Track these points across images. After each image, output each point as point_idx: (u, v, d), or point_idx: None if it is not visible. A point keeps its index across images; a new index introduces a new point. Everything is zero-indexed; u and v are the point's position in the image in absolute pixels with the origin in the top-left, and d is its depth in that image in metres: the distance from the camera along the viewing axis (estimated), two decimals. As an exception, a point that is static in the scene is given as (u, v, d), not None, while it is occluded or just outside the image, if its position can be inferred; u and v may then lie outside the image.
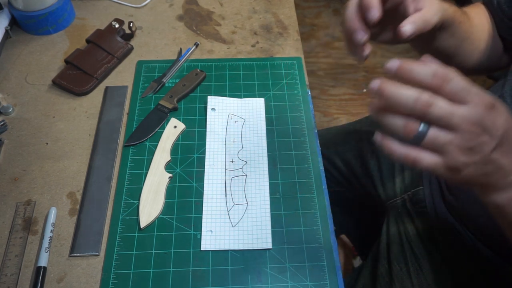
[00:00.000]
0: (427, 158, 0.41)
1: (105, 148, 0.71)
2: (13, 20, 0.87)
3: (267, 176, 0.68)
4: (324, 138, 0.79)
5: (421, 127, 0.40)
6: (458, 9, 0.59)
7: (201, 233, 0.62)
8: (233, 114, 0.75)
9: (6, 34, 0.85)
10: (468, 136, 0.39)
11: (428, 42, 0.60)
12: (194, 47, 0.85)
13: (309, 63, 1.96)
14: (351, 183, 0.89)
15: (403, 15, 0.51)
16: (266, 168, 0.69)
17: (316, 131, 0.74)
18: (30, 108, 0.76)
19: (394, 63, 0.41)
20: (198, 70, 0.80)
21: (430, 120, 0.40)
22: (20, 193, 0.66)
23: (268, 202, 0.65)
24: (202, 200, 0.65)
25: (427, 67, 0.40)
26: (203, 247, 0.61)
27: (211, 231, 0.62)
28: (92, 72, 0.79)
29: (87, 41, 0.83)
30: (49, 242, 0.60)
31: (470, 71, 0.67)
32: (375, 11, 0.49)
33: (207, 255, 0.61)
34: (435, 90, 0.39)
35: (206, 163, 0.69)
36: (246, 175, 0.68)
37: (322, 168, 0.69)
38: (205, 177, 0.68)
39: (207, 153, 0.71)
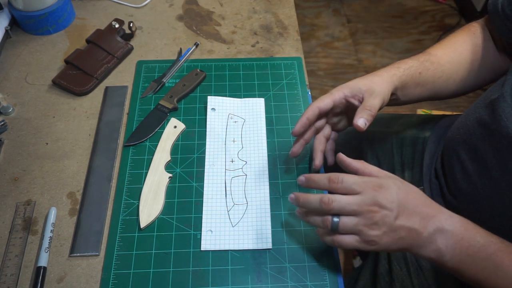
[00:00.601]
0: (347, 239, 0.52)
1: (105, 148, 0.71)
2: (13, 20, 0.87)
3: (267, 176, 0.68)
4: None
5: (334, 219, 0.51)
6: (415, 62, 0.67)
7: (201, 233, 0.62)
8: (233, 114, 0.75)
9: (6, 34, 0.85)
10: (368, 215, 0.50)
11: (397, 103, 0.69)
12: (194, 47, 0.85)
13: (309, 63, 1.96)
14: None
15: (352, 107, 0.62)
16: (266, 168, 0.69)
17: (316, 131, 0.74)
18: (30, 108, 0.76)
19: (302, 179, 0.56)
20: (198, 70, 0.80)
21: (337, 213, 0.51)
22: (20, 193, 0.66)
23: (268, 202, 0.65)
24: (202, 200, 0.65)
25: (323, 177, 0.53)
26: (203, 247, 0.61)
27: (211, 231, 0.62)
28: (92, 72, 0.79)
29: (87, 41, 0.83)
30: (49, 242, 0.60)
31: (467, 91, 0.73)
32: (292, 150, 0.65)
33: (207, 255, 0.61)
34: (334, 190, 0.52)
35: (206, 163, 0.69)
36: (246, 175, 0.68)
37: (322, 168, 0.69)
38: (205, 177, 0.68)
39: (207, 153, 0.71)
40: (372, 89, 0.61)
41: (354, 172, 0.55)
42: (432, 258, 0.52)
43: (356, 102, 0.62)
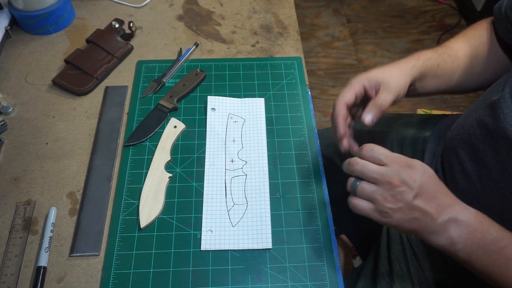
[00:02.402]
0: (362, 203, 0.53)
1: (105, 148, 0.71)
2: (13, 20, 0.87)
3: (267, 176, 0.68)
4: (324, 137, 0.79)
5: (355, 182, 0.53)
6: (434, 54, 0.68)
7: (201, 233, 0.62)
8: (233, 114, 0.75)
9: (6, 34, 0.85)
10: (388, 186, 0.51)
11: (415, 94, 0.70)
12: (194, 47, 0.85)
13: (309, 63, 1.96)
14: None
15: (369, 98, 0.63)
16: (266, 168, 0.69)
17: (316, 131, 0.74)
18: (30, 108, 0.76)
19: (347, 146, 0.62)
20: (198, 70, 0.80)
21: (359, 176, 0.53)
22: (20, 193, 0.66)
23: (268, 202, 0.65)
24: (202, 200, 0.65)
25: (359, 147, 0.55)
26: (203, 247, 0.61)
27: (211, 231, 0.62)
28: (92, 72, 0.79)
29: (87, 41, 0.83)
30: (49, 242, 0.60)
31: (482, 86, 0.74)
32: (343, 146, 0.64)
33: (207, 255, 0.61)
34: (363, 157, 0.53)
35: (206, 163, 0.69)
36: (246, 175, 0.68)
37: (322, 168, 0.69)
38: (205, 177, 0.68)
39: (207, 153, 0.71)
40: (389, 83, 0.62)
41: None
42: (443, 246, 0.52)
43: (373, 94, 0.63)
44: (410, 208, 0.51)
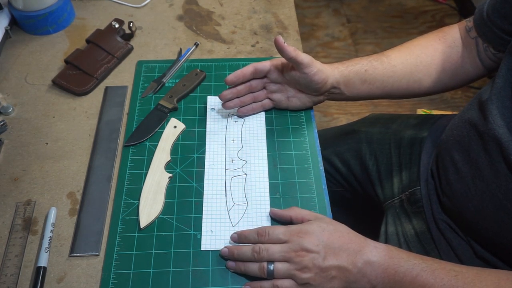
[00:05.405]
0: (285, 283, 0.54)
1: (105, 148, 0.71)
2: (13, 20, 0.87)
3: (267, 176, 0.68)
4: (322, 138, 0.79)
5: (269, 266, 0.55)
6: (363, 61, 0.71)
7: (201, 233, 0.62)
8: (233, 113, 0.75)
9: (6, 34, 0.85)
10: (297, 260, 0.54)
11: (344, 98, 0.73)
12: (194, 47, 0.85)
13: (309, 63, 1.96)
14: (350, 183, 0.89)
15: (292, 80, 0.70)
16: (266, 168, 0.69)
17: (316, 131, 0.74)
18: (30, 108, 0.76)
19: (234, 236, 0.59)
20: (198, 70, 0.80)
21: (268, 260, 0.55)
22: (20, 193, 0.66)
23: (268, 202, 0.65)
24: (202, 200, 0.65)
25: (253, 232, 0.58)
26: (203, 247, 0.61)
27: (211, 231, 0.62)
28: (92, 72, 0.79)
29: (87, 41, 0.83)
30: (49, 242, 0.60)
31: (426, 93, 0.75)
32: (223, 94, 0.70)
33: (207, 255, 0.61)
34: (264, 243, 0.56)
35: (206, 163, 0.69)
36: (246, 174, 0.68)
37: (322, 168, 0.69)
38: (205, 177, 0.68)
39: (207, 153, 0.71)
40: (312, 59, 0.67)
41: (289, 220, 0.60)
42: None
43: (292, 69, 0.68)
44: (325, 270, 0.53)
